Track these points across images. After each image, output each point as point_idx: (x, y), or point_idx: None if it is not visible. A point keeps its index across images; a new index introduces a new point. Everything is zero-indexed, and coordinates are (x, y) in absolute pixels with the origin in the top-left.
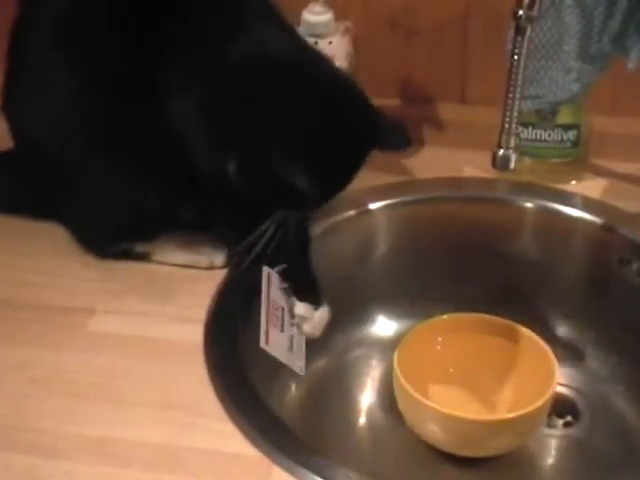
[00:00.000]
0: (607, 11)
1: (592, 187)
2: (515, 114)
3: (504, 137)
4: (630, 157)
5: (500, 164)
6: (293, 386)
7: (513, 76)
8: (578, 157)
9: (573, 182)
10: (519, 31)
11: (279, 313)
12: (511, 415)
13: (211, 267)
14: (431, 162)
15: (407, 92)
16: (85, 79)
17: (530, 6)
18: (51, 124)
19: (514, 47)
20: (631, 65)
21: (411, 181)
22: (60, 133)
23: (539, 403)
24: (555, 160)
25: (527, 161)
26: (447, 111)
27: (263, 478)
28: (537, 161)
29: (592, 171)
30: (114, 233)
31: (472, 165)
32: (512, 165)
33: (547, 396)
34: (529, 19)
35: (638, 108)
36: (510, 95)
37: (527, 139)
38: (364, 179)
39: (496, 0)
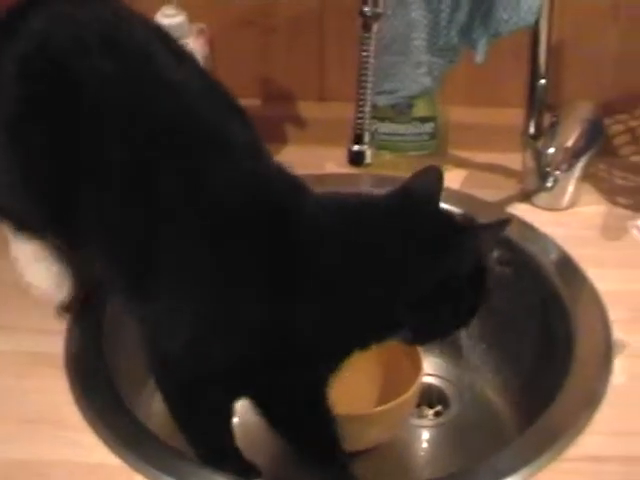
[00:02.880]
0: (453, 5)
1: (451, 178)
2: (368, 110)
3: (358, 133)
4: (487, 147)
5: (355, 160)
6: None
7: (363, 72)
8: (436, 149)
9: None
10: (366, 28)
11: None
12: (378, 409)
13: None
14: (293, 160)
15: (266, 91)
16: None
17: (375, 3)
18: None
19: (362, 44)
20: (478, 58)
21: None
22: None
23: (405, 396)
24: (414, 153)
25: (387, 155)
26: (307, 108)
27: None
28: (397, 155)
29: (451, 162)
30: None
31: (333, 162)
32: (367, 160)
33: (413, 389)
34: (375, 15)
35: (492, 98)
36: (361, 91)
37: (385, 133)
38: None
39: None
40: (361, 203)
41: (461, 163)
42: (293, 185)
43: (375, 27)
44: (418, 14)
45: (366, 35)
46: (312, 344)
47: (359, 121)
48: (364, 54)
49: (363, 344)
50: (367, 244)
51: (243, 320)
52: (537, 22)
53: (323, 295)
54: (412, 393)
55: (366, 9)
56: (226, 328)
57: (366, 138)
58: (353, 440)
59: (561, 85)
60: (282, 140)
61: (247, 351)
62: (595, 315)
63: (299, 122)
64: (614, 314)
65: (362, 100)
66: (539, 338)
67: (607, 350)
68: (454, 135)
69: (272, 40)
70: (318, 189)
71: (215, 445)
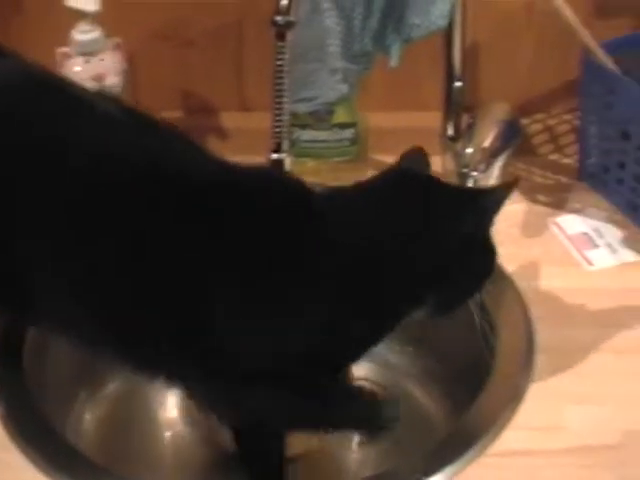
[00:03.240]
0: (365, 12)
1: None
2: (285, 118)
3: (276, 142)
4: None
5: (274, 168)
6: (89, 414)
7: (279, 81)
8: (358, 154)
9: (354, 179)
10: (280, 37)
11: None
12: None
13: None
14: None
15: (187, 103)
16: None
17: (287, 12)
18: None
19: (277, 53)
20: (392, 62)
21: None
22: None
23: None
24: (336, 159)
25: (309, 162)
26: (228, 119)
27: None
28: (319, 162)
29: (373, 167)
30: None
31: None
32: (287, 168)
33: None
34: (288, 24)
35: (411, 102)
36: (278, 100)
37: (306, 141)
38: None
39: (268, 6)
40: (362, 189)
41: (383, 167)
42: (293, 186)
43: (289, 36)
44: (332, 22)
45: (280, 44)
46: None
47: (277, 130)
48: (279, 63)
49: (393, 326)
50: (388, 224)
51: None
52: (451, 26)
53: (356, 285)
54: None
55: (278, 18)
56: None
57: (284, 146)
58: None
59: (478, 87)
60: None
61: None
62: (517, 312)
63: (221, 133)
64: (535, 311)
65: (279, 109)
66: (463, 337)
67: (529, 346)
68: (375, 140)
69: (190, 53)
70: None
71: None
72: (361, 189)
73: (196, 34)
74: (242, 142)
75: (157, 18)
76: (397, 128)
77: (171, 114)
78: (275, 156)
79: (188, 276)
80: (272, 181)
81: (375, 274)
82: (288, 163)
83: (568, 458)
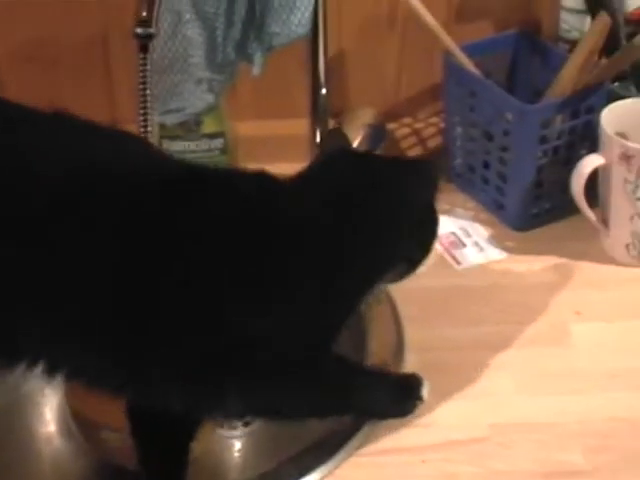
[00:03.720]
0: (227, 21)
1: None
2: (150, 129)
3: None
4: (278, 158)
5: None
6: None
7: (142, 92)
8: (228, 164)
9: None
10: (142, 49)
11: None
12: None
13: None
14: None
15: None
16: None
17: (147, 24)
18: None
19: (140, 65)
20: (255, 71)
21: None
22: None
23: None
24: None
25: None
26: None
27: None
28: None
29: None
30: None
31: None
32: None
33: None
34: (149, 36)
35: (279, 110)
36: (142, 111)
37: (177, 151)
38: None
39: (132, 18)
40: (311, 171)
41: None
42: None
43: (151, 47)
44: (194, 32)
45: (142, 56)
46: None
47: None
48: (142, 74)
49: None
50: (352, 203)
51: None
52: (315, 33)
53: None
54: None
55: (139, 30)
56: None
57: None
58: None
59: (346, 93)
60: None
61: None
62: (386, 312)
63: None
64: (405, 310)
65: (144, 120)
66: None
67: (399, 346)
68: (246, 149)
69: (57, 71)
70: None
71: None
72: (310, 171)
73: (61, 52)
74: None
75: (19, 38)
76: (267, 136)
77: None
78: None
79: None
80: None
81: (345, 240)
82: None
83: (438, 453)
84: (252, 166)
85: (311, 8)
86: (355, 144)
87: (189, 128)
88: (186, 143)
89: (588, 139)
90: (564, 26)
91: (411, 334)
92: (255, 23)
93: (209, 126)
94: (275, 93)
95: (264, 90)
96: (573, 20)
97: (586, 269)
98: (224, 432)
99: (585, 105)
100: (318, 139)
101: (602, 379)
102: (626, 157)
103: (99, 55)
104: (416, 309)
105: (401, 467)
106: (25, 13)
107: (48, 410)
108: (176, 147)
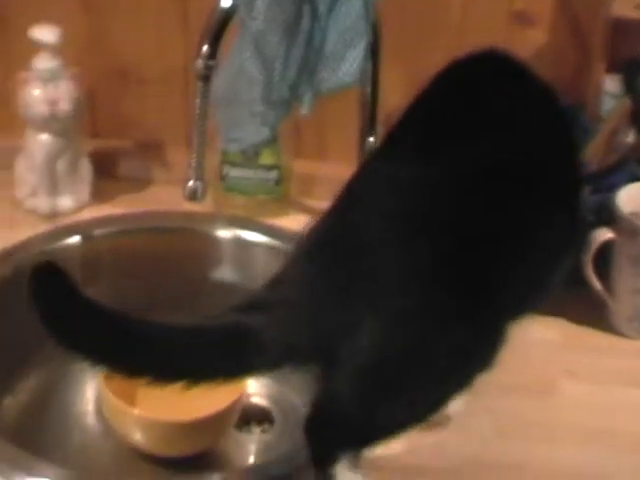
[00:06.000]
0: (285, 63)
1: (292, 220)
2: (202, 151)
3: (193, 172)
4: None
5: (190, 195)
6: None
7: (198, 119)
8: (282, 195)
9: (278, 217)
10: (202, 79)
11: None
12: (192, 419)
13: None
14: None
15: (138, 135)
16: None
17: (210, 57)
18: None
19: (199, 93)
20: (304, 110)
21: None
22: None
23: (224, 405)
24: (262, 196)
25: (238, 197)
26: (175, 153)
27: None
28: (247, 197)
29: (296, 207)
30: None
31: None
32: (199, 196)
33: (232, 399)
34: (209, 68)
35: (342, 154)
36: (198, 136)
37: (235, 177)
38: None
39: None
40: None
41: (305, 209)
42: None
43: (211, 79)
44: (253, 69)
45: (201, 85)
46: None
47: (194, 163)
48: (198, 102)
49: None
50: None
51: None
52: (365, 84)
53: None
54: (230, 404)
55: (200, 62)
56: None
57: (199, 176)
58: (178, 445)
59: None
60: (149, 181)
61: None
62: None
63: (167, 165)
64: None
65: (197, 143)
66: None
67: None
68: (304, 185)
69: (144, 89)
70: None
71: None
72: None
73: (149, 73)
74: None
75: (115, 54)
76: (328, 177)
77: (124, 143)
78: (191, 184)
79: None
80: None
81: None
82: (201, 190)
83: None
84: (305, 202)
85: (359, 60)
86: None
87: (248, 157)
88: (244, 170)
89: (605, 214)
90: (606, 108)
91: None
92: (308, 67)
93: (266, 158)
94: (339, 136)
95: (329, 132)
96: (613, 104)
97: (587, 334)
98: (241, 436)
99: (607, 183)
100: None
101: (578, 434)
102: (633, 234)
103: (180, 81)
104: None
105: None
106: (120, 37)
107: (88, 388)
108: (235, 173)
